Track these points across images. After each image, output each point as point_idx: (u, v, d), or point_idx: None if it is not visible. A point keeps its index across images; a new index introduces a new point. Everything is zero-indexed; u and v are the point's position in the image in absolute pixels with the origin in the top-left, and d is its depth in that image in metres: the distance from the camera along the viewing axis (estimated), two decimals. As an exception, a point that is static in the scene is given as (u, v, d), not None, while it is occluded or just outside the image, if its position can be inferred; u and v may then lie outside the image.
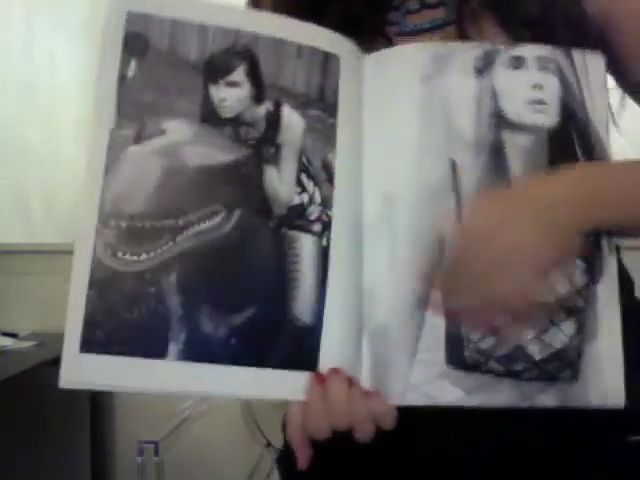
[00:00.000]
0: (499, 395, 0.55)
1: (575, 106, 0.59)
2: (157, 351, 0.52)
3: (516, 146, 0.58)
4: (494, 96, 0.59)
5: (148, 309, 0.52)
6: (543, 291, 0.55)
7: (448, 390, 0.55)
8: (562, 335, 0.56)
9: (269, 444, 1.81)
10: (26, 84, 2.35)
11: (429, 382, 0.55)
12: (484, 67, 0.59)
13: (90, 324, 0.51)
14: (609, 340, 0.57)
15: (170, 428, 1.85)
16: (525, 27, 0.62)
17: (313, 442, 0.54)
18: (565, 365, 0.56)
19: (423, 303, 0.56)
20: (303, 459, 0.54)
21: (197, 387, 0.53)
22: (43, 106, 2.43)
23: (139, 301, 0.52)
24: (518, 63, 0.59)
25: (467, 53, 0.60)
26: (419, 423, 0.56)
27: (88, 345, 0.51)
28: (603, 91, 0.60)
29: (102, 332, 0.51)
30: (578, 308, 0.57)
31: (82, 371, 0.51)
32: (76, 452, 1.81)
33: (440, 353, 0.55)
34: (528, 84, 0.59)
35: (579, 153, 0.59)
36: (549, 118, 0.59)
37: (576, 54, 0.61)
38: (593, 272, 0.57)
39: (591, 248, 0.57)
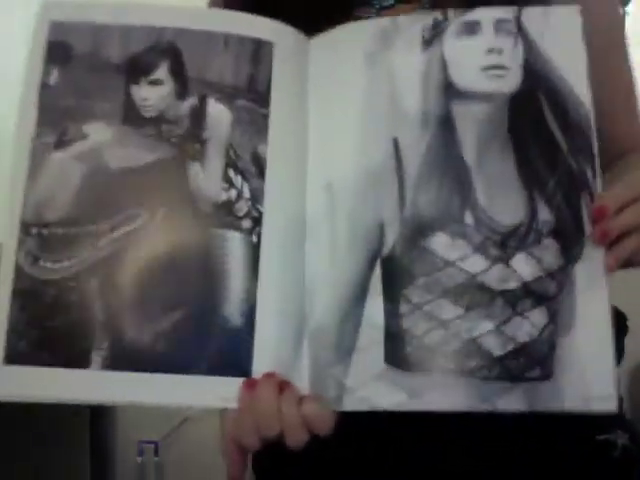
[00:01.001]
0: (451, 397, 0.48)
1: (542, 67, 0.53)
2: (80, 361, 0.50)
3: (468, 117, 0.52)
4: (443, 67, 0.53)
5: (71, 318, 0.51)
6: (503, 276, 0.49)
7: (388, 393, 0.48)
8: (529, 326, 0.49)
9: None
10: None
11: (366, 385, 0.49)
12: (432, 37, 0.54)
13: (14, 335, 0.50)
14: (591, 331, 0.49)
15: (170, 428, 1.84)
16: None
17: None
18: (533, 362, 0.48)
19: (362, 299, 0.51)
20: (237, 473, 0.50)
21: (123, 397, 0.51)
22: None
23: (61, 310, 0.51)
24: (472, 29, 0.54)
25: (415, 25, 0.55)
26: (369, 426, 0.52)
27: (12, 357, 0.50)
28: (580, 46, 0.53)
29: (25, 343, 0.50)
30: (550, 295, 0.49)
31: (7, 383, 0.50)
32: (76, 452, 1.81)
33: (378, 352, 0.49)
34: (483, 49, 0.53)
35: (548, 117, 0.52)
36: (509, 83, 0.53)
37: (544, 10, 0.54)
38: (570, 251, 0.50)
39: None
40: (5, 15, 2.33)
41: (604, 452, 0.59)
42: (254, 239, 0.52)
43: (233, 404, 0.50)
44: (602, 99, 0.53)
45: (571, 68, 0.53)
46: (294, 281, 0.53)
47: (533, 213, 0.50)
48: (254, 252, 0.52)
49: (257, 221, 0.52)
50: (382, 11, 0.63)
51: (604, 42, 0.62)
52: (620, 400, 0.61)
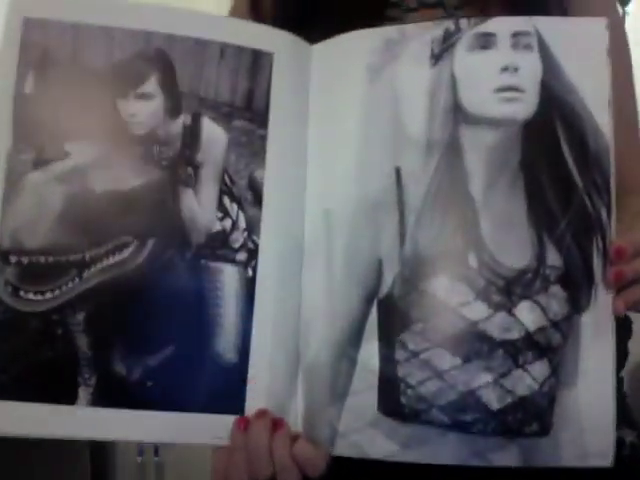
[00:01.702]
0: (442, 451, 0.47)
1: (562, 89, 0.49)
2: (66, 397, 0.48)
3: (477, 145, 0.49)
4: (452, 86, 0.50)
5: (55, 352, 0.48)
6: (505, 325, 0.48)
7: (380, 442, 0.48)
8: (529, 379, 0.47)
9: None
10: None
11: (358, 431, 0.48)
12: (442, 51, 0.50)
13: (-4, 369, 0.48)
14: (594, 385, 0.47)
15: None
16: None
17: None
18: (531, 417, 0.47)
19: (357, 339, 0.50)
20: None
21: (112, 434, 0.49)
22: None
23: (45, 343, 0.48)
24: (486, 42, 0.49)
25: (424, 36, 0.50)
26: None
27: (-6, 391, 0.48)
28: (604, 67, 0.49)
29: (7, 377, 0.48)
30: (553, 346, 0.47)
31: None
32: (76, 452, 1.80)
33: (372, 398, 0.48)
34: (497, 67, 0.49)
35: (564, 147, 0.49)
36: (523, 107, 0.49)
37: (567, 22, 0.51)
38: (578, 300, 0.48)
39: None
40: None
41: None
42: (249, 273, 0.50)
43: (225, 442, 0.49)
44: None
45: (593, 91, 0.49)
46: (290, 314, 0.51)
47: (541, 257, 0.48)
48: (249, 286, 0.50)
49: (253, 253, 0.50)
50: (408, 13, 0.58)
51: None
52: (624, 397, 0.62)
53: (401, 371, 0.48)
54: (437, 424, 0.47)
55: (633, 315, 0.62)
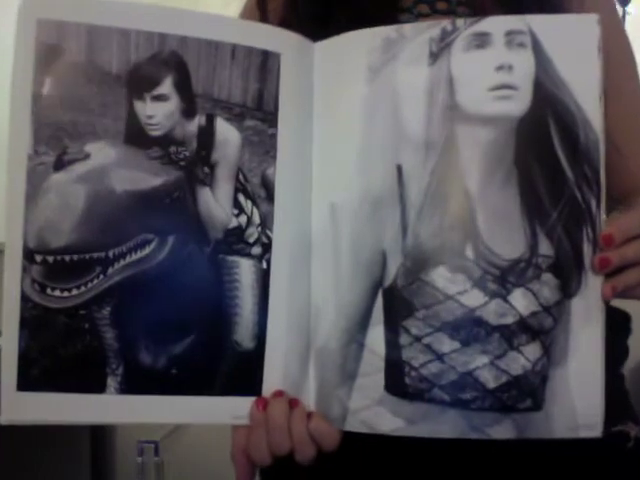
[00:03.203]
0: (443, 426, 0.52)
1: (554, 86, 0.52)
2: (95, 386, 0.51)
3: (473, 142, 0.52)
4: (449, 85, 0.52)
5: (83, 345, 0.51)
6: (500, 311, 0.52)
7: (387, 418, 0.52)
8: (523, 360, 0.52)
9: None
10: None
11: (367, 409, 0.53)
12: (440, 50, 0.52)
13: (25, 362, 0.50)
14: (583, 363, 0.51)
15: (170, 428, 1.83)
16: None
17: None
18: (525, 394, 0.51)
19: (364, 325, 0.54)
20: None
21: (139, 418, 0.53)
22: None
23: (73, 337, 0.51)
24: (482, 41, 0.52)
25: (422, 35, 0.53)
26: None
27: (24, 384, 0.50)
28: (595, 63, 0.51)
29: (38, 370, 0.51)
30: (545, 329, 0.52)
31: (21, 409, 0.51)
32: (76, 452, 1.82)
33: (379, 379, 0.52)
34: (492, 66, 0.52)
35: (556, 142, 0.52)
36: (518, 105, 0.52)
37: (559, 19, 0.53)
38: (568, 286, 0.52)
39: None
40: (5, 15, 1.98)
41: (618, 443, 0.62)
42: (264, 265, 0.53)
43: (245, 421, 0.53)
44: (611, 127, 0.52)
45: (584, 86, 0.51)
46: (301, 303, 0.54)
47: (534, 247, 0.52)
48: (264, 278, 0.53)
49: (266, 247, 0.53)
50: (419, 18, 0.60)
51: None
52: (626, 394, 0.67)
53: (405, 354, 0.53)
54: (439, 402, 0.52)
55: (633, 313, 0.67)
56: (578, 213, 0.52)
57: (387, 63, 0.53)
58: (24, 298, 0.50)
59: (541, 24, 0.52)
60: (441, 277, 0.52)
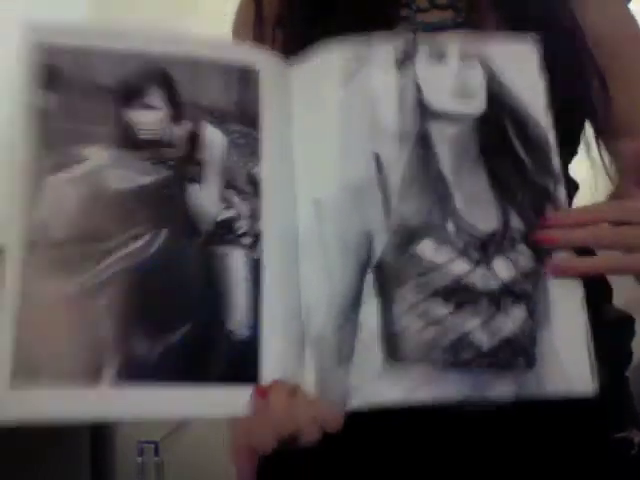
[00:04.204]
0: (447, 388, 0.52)
1: (504, 94, 0.59)
2: (90, 378, 0.51)
3: (443, 135, 0.58)
4: (417, 88, 0.59)
5: (79, 336, 0.51)
6: (485, 277, 0.55)
7: (389, 389, 0.52)
8: (511, 322, 0.54)
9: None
10: None
11: (368, 383, 0.53)
12: (405, 57, 0.59)
13: (20, 356, 0.50)
14: (567, 324, 0.54)
15: (170, 428, 1.84)
16: (533, 30, 0.61)
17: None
18: (518, 353, 0.53)
19: (356, 305, 0.55)
20: (247, 477, 0.53)
21: (135, 412, 0.52)
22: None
23: (69, 329, 0.51)
24: (440, 55, 0.60)
25: (387, 44, 0.60)
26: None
27: (18, 378, 0.50)
28: (538, 76, 0.59)
29: (32, 363, 0.50)
30: (527, 293, 0.55)
31: (14, 407, 0.50)
32: (76, 452, 1.80)
33: (376, 352, 0.53)
34: (450, 75, 0.59)
35: (513, 137, 0.58)
36: (474, 107, 0.58)
37: (504, 45, 0.60)
38: (540, 255, 0.56)
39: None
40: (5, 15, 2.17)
41: (621, 450, 0.63)
42: (255, 255, 0.55)
43: (245, 412, 0.52)
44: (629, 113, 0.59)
45: (530, 96, 0.59)
46: (293, 294, 0.56)
47: (506, 222, 0.56)
48: (256, 267, 0.55)
49: (257, 238, 0.56)
50: (418, 13, 0.67)
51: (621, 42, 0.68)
52: (631, 397, 0.68)
53: (401, 323, 0.54)
54: (438, 365, 0.53)
55: (635, 314, 0.69)
56: (540, 193, 0.57)
57: (360, 69, 0.59)
58: (23, 290, 0.51)
59: (490, 46, 0.60)
60: (428, 248, 0.55)
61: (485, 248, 0.55)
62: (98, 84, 0.56)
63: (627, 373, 0.68)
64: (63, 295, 0.52)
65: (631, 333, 0.68)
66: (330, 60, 0.60)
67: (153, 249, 0.54)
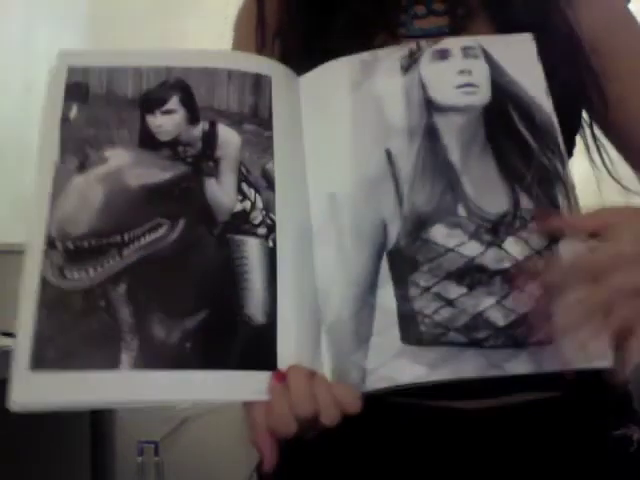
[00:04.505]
0: (464, 366, 0.52)
1: (507, 83, 0.61)
2: (109, 362, 0.51)
3: (450, 126, 0.59)
4: (422, 86, 0.61)
5: (99, 322, 0.52)
6: (498, 257, 0.54)
7: (407, 368, 0.52)
8: (526, 299, 0.53)
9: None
10: (26, 84, 2.28)
11: (385, 365, 0.52)
12: (410, 64, 0.62)
13: (40, 342, 0.51)
14: None
15: (170, 428, 1.83)
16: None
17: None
18: (534, 329, 0.52)
19: (373, 290, 0.55)
20: (271, 461, 0.51)
21: (154, 395, 0.51)
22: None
23: (89, 315, 0.52)
24: (443, 55, 0.62)
25: (392, 55, 0.63)
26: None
27: (38, 362, 0.51)
28: (536, 65, 0.61)
29: (53, 349, 0.51)
30: (540, 270, 0.54)
31: (33, 390, 0.50)
32: (76, 452, 1.78)
33: (393, 333, 0.53)
34: (454, 71, 0.61)
35: (518, 123, 0.60)
36: (480, 97, 0.60)
37: (503, 39, 0.64)
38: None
39: None
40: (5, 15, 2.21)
41: (621, 447, 0.62)
42: (270, 244, 0.56)
43: (263, 397, 0.51)
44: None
45: (530, 83, 0.61)
46: (308, 282, 0.57)
47: (516, 203, 0.57)
48: (271, 256, 0.56)
49: (271, 228, 0.57)
50: (415, 20, 0.70)
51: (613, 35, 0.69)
52: (630, 396, 0.67)
53: (417, 305, 0.54)
54: (456, 344, 0.53)
55: None
56: (548, 174, 0.58)
57: (367, 78, 0.62)
58: (42, 281, 0.53)
59: (488, 42, 0.63)
60: (439, 233, 0.56)
61: (496, 230, 0.56)
62: (121, 96, 0.60)
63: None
64: (84, 281, 0.53)
65: None
66: (338, 71, 0.63)
67: (172, 238, 0.55)
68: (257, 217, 0.57)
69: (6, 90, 2.26)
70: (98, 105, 0.59)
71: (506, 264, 0.55)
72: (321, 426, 0.51)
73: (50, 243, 0.54)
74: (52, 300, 0.52)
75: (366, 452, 0.63)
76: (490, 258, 0.55)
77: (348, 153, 0.60)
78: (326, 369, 0.54)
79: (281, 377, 0.52)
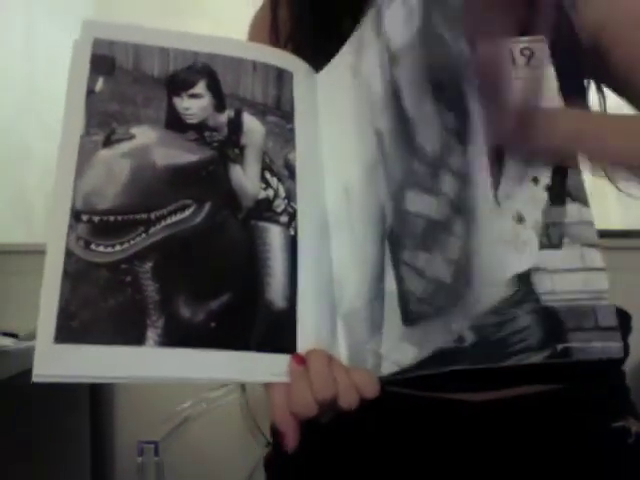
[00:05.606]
0: (446, 334, 0.51)
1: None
2: (135, 338, 0.51)
3: (404, 76, 0.57)
4: (386, 40, 0.59)
5: (124, 297, 0.52)
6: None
7: (407, 350, 0.53)
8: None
9: (269, 444, 1.70)
10: (26, 84, 2.28)
11: (394, 349, 0.54)
12: (379, 22, 0.60)
13: (65, 315, 0.50)
14: None
15: (170, 428, 1.82)
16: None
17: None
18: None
19: (382, 276, 0.56)
20: (292, 442, 0.52)
21: (178, 372, 0.52)
22: (43, 106, 2.27)
23: (115, 290, 0.52)
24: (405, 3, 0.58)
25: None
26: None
27: (63, 335, 0.50)
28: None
29: (78, 322, 0.51)
30: None
31: (56, 362, 0.50)
32: (76, 452, 1.75)
33: (397, 316, 0.54)
34: (412, 12, 0.56)
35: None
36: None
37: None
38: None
39: None
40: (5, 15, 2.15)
41: (619, 439, 0.64)
42: (291, 232, 0.58)
43: (283, 379, 0.53)
44: None
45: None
46: (326, 270, 0.58)
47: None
48: (292, 243, 0.57)
49: (292, 216, 0.58)
50: None
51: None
52: (627, 390, 0.70)
53: (406, 284, 0.55)
54: (433, 316, 0.52)
55: (633, 312, 0.71)
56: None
57: (359, 61, 0.62)
58: (68, 253, 0.52)
59: None
60: (410, 200, 0.55)
61: (436, 171, 0.54)
62: (148, 74, 0.60)
63: (625, 370, 0.70)
64: (110, 255, 0.53)
65: (627, 329, 0.71)
66: (341, 60, 0.64)
67: (198, 219, 0.56)
68: (280, 205, 0.58)
69: (6, 90, 2.21)
70: (124, 80, 0.59)
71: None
72: (339, 409, 0.52)
73: (76, 215, 0.53)
74: (77, 272, 0.52)
75: (369, 442, 0.65)
76: (439, 211, 0.53)
77: (353, 141, 0.61)
78: (342, 356, 0.56)
79: (301, 360, 0.53)
